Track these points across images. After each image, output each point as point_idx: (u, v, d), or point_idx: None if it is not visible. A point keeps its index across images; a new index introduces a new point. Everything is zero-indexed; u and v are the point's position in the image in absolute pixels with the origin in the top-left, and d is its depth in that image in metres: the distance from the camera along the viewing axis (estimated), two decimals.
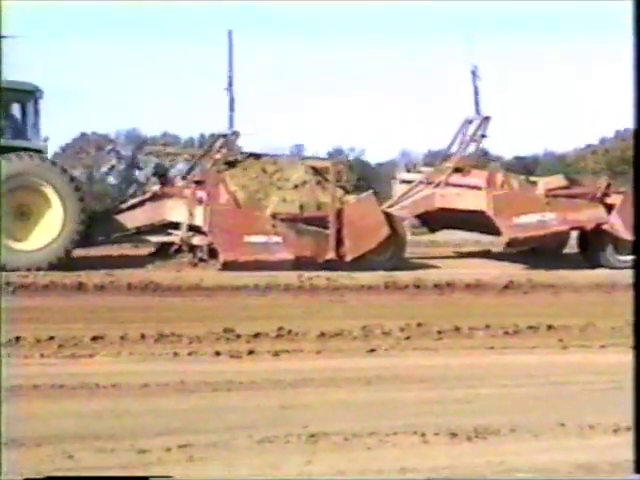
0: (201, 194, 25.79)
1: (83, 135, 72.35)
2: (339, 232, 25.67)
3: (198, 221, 25.53)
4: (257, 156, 27.55)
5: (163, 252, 26.45)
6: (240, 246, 24.93)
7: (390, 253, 26.43)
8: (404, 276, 24.24)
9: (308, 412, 11.25)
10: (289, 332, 16.51)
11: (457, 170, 28.78)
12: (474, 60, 29.30)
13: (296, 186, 26.20)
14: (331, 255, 25.32)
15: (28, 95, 24.99)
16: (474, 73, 29.12)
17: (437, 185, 28.81)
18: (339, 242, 25.64)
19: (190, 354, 14.90)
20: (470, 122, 29.43)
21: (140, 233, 27.08)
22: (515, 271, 26.91)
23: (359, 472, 8.94)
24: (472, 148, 29.69)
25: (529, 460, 9.38)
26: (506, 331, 17.50)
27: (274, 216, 25.27)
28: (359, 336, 16.63)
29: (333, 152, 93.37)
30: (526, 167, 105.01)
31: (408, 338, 16.80)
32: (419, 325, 17.50)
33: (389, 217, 26.79)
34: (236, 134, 27.26)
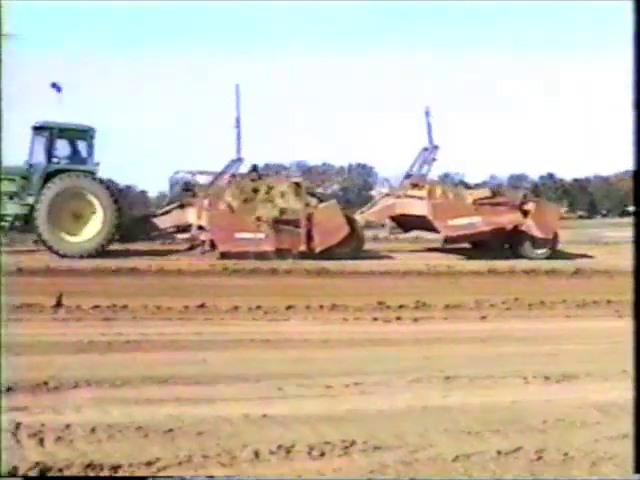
0: (207, 203, 25.92)
1: (266, 165, 73.21)
2: (310, 231, 25.48)
3: (203, 222, 25.64)
4: (257, 173, 27.63)
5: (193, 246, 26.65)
6: (232, 241, 24.89)
7: (352, 247, 26.15)
8: (500, 265, 24.04)
9: (442, 361, 11.19)
10: (423, 304, 16.50)
11: (414, 185, 28.41)
12: (426, 103, 29.39)
13: (281, 196, 26.16)
14: (303, 248, 25.14)
15: (84, 134, 25.85)
16: (427, 113, 28.77)
17: (398, 197, 28.65)
18: (310, 238, 25.43)
19: (355, 319, 14.97)
20: (426, 149, 29.08)
21: (170, 232, 27.67)
22: (579, 261, 26.55)
23: (482, 403, 8.91)
24: (425, 169, 29.27)
25: (601, 396, 9.25)
26: (577, 304, 17.33)
27: (259, 219, 25.19)
28: (473, 307, 16.58)
29: (442, 175, 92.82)
30: (581, 187, 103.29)
31: (508, 309, 16.72)
32: (515, 299, 17.38)
33: (350, 220, 26.63)
34: (241, 160, 27.23)
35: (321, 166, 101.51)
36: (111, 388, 9.15)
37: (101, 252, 24.68)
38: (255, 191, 26.26)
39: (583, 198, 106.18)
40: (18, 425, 7.55)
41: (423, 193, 27.60)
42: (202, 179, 28.05)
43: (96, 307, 15.09)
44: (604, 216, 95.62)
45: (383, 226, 31.07)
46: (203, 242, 25.71)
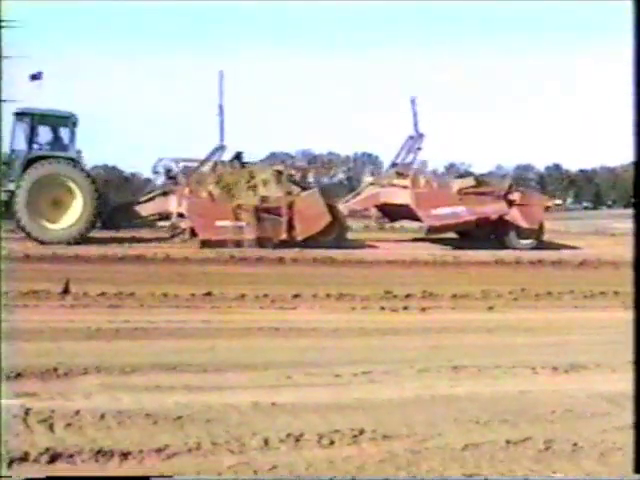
0: (187, 190, 25.76)
1: (273, 154, 73.19)
2: (291, 219, 25.24)
3: (184, 210, 25.51)
4: (240, 161, 27.28)
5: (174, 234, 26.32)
6: (212, 228, 24.61)
7: (334, 235, 25.88)
8: (507, 255, 23.96)
9: (450, 351, 11.21)
10: (430, 294, 16.47)
11: (400, 174, 28.21)
12: (413, 92, 29.08)
13: (263, 184, 25.97)
14: (284, 236, 24.91)
15: (66, 120, 25.73)
16: (413, 101, 28.50)
17: (383, 186, 28.45)
18: (291, 226, 25.19)
19: (363, 308, 14.96)
20: (412, 138, 28.78)
21: (153, 220, 27.45)
22: (586, 251, 26.47)
23: (490, 393, 8.93)
24: (411, 157, 28.97)
25: (610, 387, 9.22)
26: (584, 295, 17.31)
27: (239, 206, 24.96)
28: (480, 297, 16.56)
29: (448, 166, 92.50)
30: (587, 177, 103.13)
31: (515, 299, 16.70)
32: (522, 290, 17.33)
33: (332, 208, 26.32)
34: (223, 147, 26.89)
35: (326, 155, 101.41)
36: (120, 375, 9.18)
37: (81, 239, 24.52)
38: (236, 179, 26.04)
39: (589, 189, 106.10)
40: (28, 411, 7.57)
41: (407, 182, 27.42)
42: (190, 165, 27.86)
43: (103, 294, 15.12)
44: (609, 207, 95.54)
45: (366, 216, 31.01)
46: (184, 230, 25.61)
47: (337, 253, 22.74)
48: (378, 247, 25.83)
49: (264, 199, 25.29)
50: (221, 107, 26.73)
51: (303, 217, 25.24)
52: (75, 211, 24.83)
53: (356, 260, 21.65)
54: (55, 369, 9.18)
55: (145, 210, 26.92)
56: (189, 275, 18.40)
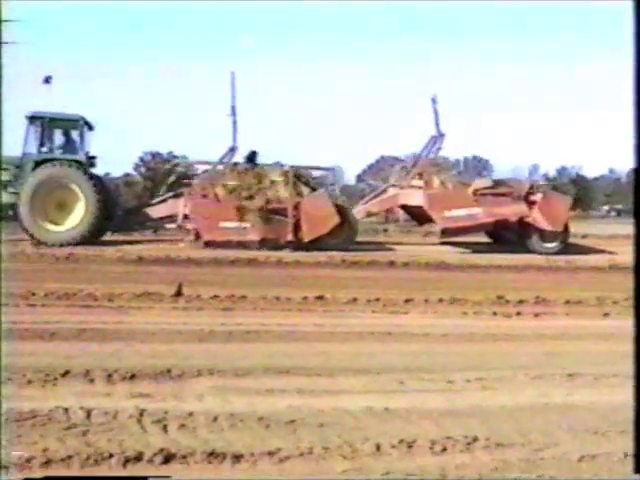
0: (194, 192, 25.68)
1: (382, 157, 73.12)
2: (298, 220, 24.77)
3: (188, 211, 25.38)
4: (254, 161, 27.14)
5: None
6: (216, 229, 24.39)
7: (343, 237, 25.34)
8: (622, 261, 23.35)
9: (565, 358, 10.93)
10: (543, 300, 16.10)
11: (421, 175, 27.42)
12: (434, 90, 28.19)
13: (271, 184, 25.57)
14: (290, 238, 24.51)
15: (75, 123, 26.23)
16: (434, 100, 27.54)
17: (402, 187, 27.69)
18: (297, 227, 24.72)
19: (475, 313, 14.73)
20: (434, 138, 27.94)
21: (166, 222, 27.71)
22: None
23: (607, 402, 8.71)
24: (432, 157, 28.19)
25: None
26: None
27: (244, 207, 24.56)
28: (595, 304, 16.11)
29: (560, 169, 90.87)
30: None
31: (632, 306, 16.25)
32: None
33: (341, 209, 25.66)
34: (235, 149, 26.67)
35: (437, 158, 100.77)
36: (233, 378, 9.21)
37: (84, 242, 24.76)
38: (244, 180, 25.86)
39: None
40: (142, 412, 7.66)
41: (422, 183, 26.91)
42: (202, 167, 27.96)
43: (215, 297, 15.23)
44: None
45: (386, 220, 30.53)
46: (187, 231, 25.70)
47: (450, 257, 22.56)
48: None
49: (270, 200, 25.09)
50: (233, 108, 26.66)
51: (310, 218, 24.81)
52: (78, 214, 25.19)
53: (468, 264, 21.42)
54: (169, 370, 9.27)
55: (157, 212, 27.17)
56: (300, 278, 18.44)
